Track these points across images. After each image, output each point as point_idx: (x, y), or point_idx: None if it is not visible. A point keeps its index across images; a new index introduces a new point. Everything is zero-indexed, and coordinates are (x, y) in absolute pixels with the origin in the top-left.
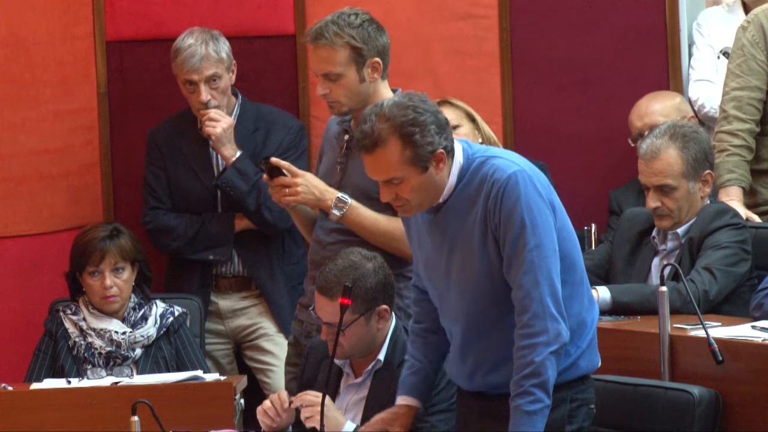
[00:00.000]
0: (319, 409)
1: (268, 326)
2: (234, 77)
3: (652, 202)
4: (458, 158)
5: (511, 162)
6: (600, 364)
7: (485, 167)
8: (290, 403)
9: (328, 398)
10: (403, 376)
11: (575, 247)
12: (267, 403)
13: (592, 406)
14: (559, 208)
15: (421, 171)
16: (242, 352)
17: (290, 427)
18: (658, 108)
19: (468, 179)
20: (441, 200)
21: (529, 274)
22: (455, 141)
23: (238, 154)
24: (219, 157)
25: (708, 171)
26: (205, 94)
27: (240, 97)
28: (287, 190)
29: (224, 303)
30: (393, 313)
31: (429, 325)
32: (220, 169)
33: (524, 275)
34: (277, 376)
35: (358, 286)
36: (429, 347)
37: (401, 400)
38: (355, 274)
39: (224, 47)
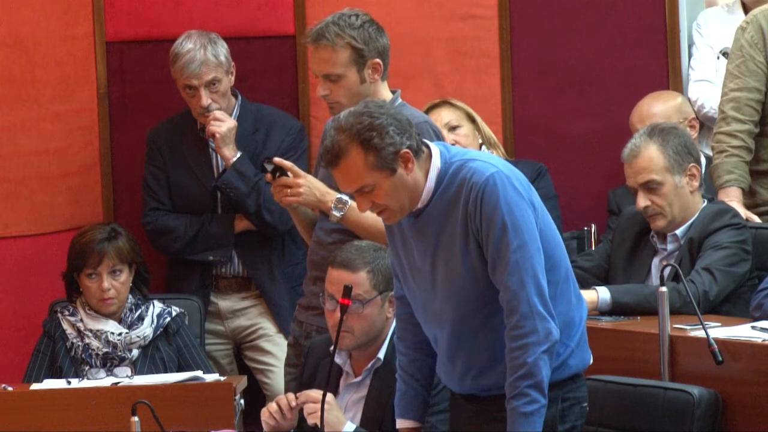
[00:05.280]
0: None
1: (268, 327)
2: (233, 79)
3: (642, 201)
4: (436, 162)
5: (489, 164)
6: (592, 361)
7: (463, 171)
8: (296, 398)
9: (332, 397)
10: (396, 398)
11: (558, 245)
12: (273, 405)
13: (585, 404)
14: (540, 207)
15: (389, 174)
16: (242, 353)
17: (292, 431)
18: (659, 110)
19: (447, 183)
20: (420, 205)
21: (514, 275)
22: (434, 145)
23: (238, 155)
24: (219, 158)
25: (693, 164)
26: (205, 98)
27: (240, 98)
28: (289, 191)
29: (224, 303)
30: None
31: (410, 343)
32: (220, 170)
33: (510, 276)
34: (277, 376)
35: (379, 264)
36: (414, 365)
37: (400, 423)
38: (375, 253)
39: (222, 50)
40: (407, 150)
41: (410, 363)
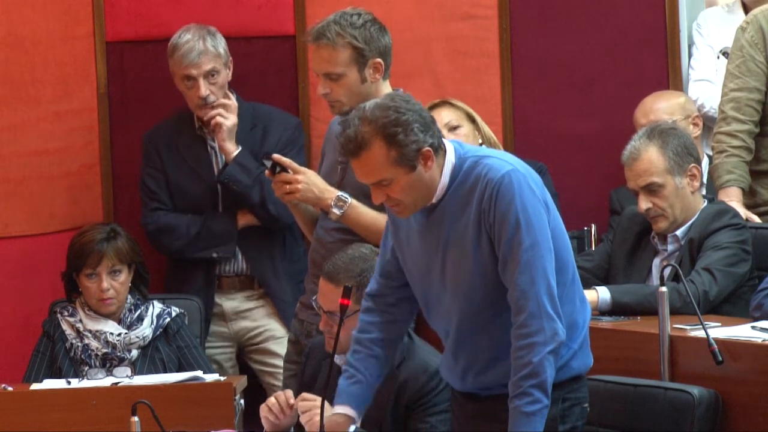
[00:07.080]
0: (316, 414)
1: (275, 327)
2: (230, 74)
3: (643, 204)
4: (450, 158)
5: (505, 162)
6: (592, 364)
7: (478, 167)
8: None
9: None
10: (343, 385)
11: (566, 247)
12: (271, 400)
13: (586, 404)
14: (552, 208)
15: (409, 170)
16: (247, 356)
17: (292, 429)
18: (663, 106)
19: (461, 179)
20: (434, 201)
21: (524, 273)
22: (447, 141)
23: (239, 149)
24: (218, 155)
25: (693, 164)
26: (204, 88)
27: (235, 96)
28: (288, 187)
29: (228, 304)
30: None
31: (376, 336)
32: (220, 167)
33: (520, 275)
34: None
35: (365, 277)
36: (370, 360)
37: (340, 408)
38: (363, 265)
39: (221, 43)
40: (429, 148)
41: (368, 357)
